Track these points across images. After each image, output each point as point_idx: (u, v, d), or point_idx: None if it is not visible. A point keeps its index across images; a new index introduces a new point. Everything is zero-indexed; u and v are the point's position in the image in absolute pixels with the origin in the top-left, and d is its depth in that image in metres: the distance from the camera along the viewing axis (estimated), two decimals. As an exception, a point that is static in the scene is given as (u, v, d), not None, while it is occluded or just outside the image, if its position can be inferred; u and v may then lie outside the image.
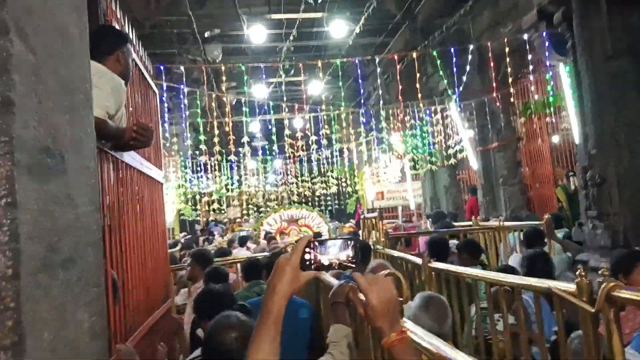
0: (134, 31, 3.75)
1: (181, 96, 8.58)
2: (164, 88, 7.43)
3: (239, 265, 5.56)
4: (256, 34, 10.32)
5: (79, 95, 0.99)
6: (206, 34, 10.66)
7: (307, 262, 1.18)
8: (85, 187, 0.96)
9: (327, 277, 2.73)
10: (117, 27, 3.09)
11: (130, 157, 2.71)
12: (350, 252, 1.20)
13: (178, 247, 8.81)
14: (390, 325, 1.16)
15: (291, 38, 10.56)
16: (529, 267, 3.44)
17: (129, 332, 2.47)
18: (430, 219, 8.80)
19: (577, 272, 1.81)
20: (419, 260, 3.63)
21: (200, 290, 4.03)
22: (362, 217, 9.25)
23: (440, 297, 2.60)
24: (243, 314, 2.06)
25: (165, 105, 8.24)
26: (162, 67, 7.37)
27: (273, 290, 1.15)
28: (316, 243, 1.21)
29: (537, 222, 5.49)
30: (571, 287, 1.86)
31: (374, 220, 6.49)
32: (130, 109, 2.92)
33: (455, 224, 7.05)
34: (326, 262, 1.19)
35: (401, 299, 1.95)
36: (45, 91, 0.84)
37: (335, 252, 1.20)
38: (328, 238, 1.46)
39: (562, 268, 4.19)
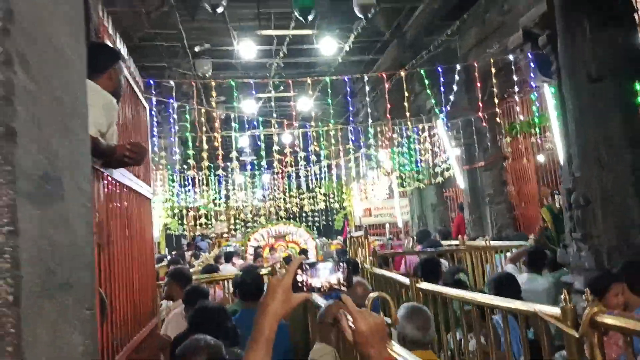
0: (124, 45, 3.78)
1: (170, 110, 8.59)
2: (153, 102, 7.44)
3: (226, 282, 5.54)
4: (246, 49, 10.40)
5: (77, 119, 1.01)
6: (196, 48, 10.71)
7: (299, 284, 1.20)
8: (81, 209, 0.98)
9: (316, 296, 2.75)
10: (108, 42, 3.11)
11: (120, 174, 2.73)
12: (341, 275, 1.21)
13: (164, 263, 8.74)
14: (379, 351, 1.17)
15: (281, 54, 10.65)
16: (497, 289, 3.34)
17: (116, 349, 2.46)
18: (414, 238, 8.76)
19: (562, 297, 1.84)
20: (406, 281, 3.65)
21: (179, 308, 4.00)
22: (349, 235, 9.26)
23: (423, 307, 2.64)
24: (212, 338, 2.08)
25: (155, 119, 8.24)
26: (151, 82, 7.39)
27: (265, 311, 1.17)
28: (307, 265, 1.23)
29: (524, 242, 5.54)
30: (556, 311, 1.90)
31: (360, 238, 6.51)
32: (121, 123, 2.93)
33: (444, 242, 7.09)
34: (318, 285, 1.21)
35: (389, 322, 1.98)
36: (45, 118, 0.86)
37: (326, 274, 1.21)
38: (320, 261, 1.47)
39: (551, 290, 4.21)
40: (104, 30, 3.08)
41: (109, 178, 2.55)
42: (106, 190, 2.50)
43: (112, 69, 2.39)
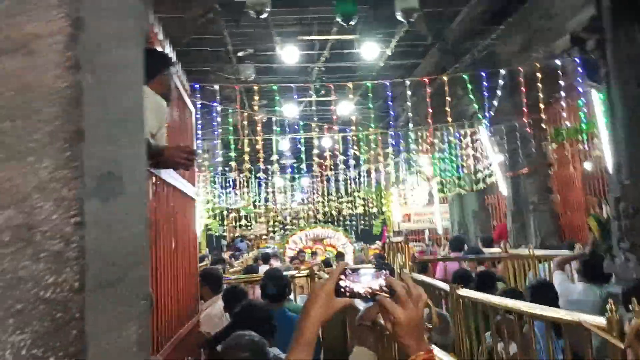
0: (173, 50, 3.90)
1: (214, 113, 8.77)
2: (198, 105, 7.62)
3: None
4: (288, 54, 10.51)
5: (137, 122, 1.07)
6: (240, 53, 10.91)
7: (342, 290, 1.21)
8: (139, 206, 1.04)
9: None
10: (159, 48, 3.23)
11: (167, 174, 2.82)
12: (383, 281, 1.22)
13: (205, 262, 8.92)
14: (417, 343, 1.16)
15: (323, 59, 10.72)
16: (533, 297, 3.27)
17: (160, 345, 2.55)
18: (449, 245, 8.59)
19: (608, 307, 1.81)
20: (446, 287, 3.63)
21: (210, 309, 4.07)
22: (388, 240, 9.21)
23: (442, 312, 2.61)
24: (257, 335, 2.10)
25: (199, 122, 8.44)
26: (196, 86, 7.57)
27: (307, 315, 1.19)
28: (349, 271, 1.25)
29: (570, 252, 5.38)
30: (601, 321, 1.86)
31: (400, 244, 6.48)
32: (169, 126, 3.04)
33: (485, 250, 6.95)
34: (361, 291, 1.22)
35: (430, 326, 1.97)
36: (109, 119, 0.92)
37: (368, 280, 1.22)
38: (361, 267, 1.48)
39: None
40: (154, 36, 3.20)
41: (157, 178, 2.64)
42: (154, 190, 2.59)
43: (164, 74, 2.48)
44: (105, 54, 0.93)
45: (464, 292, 3.38)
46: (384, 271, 1.24)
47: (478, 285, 3.87)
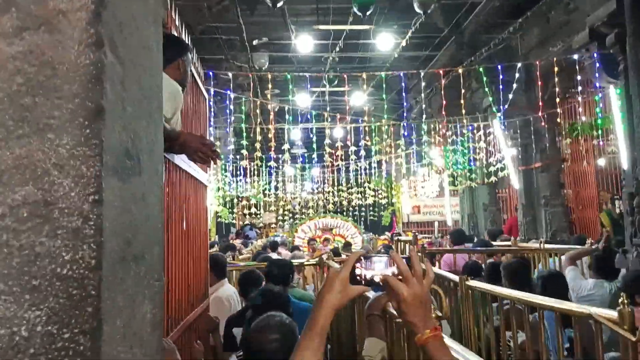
0: (188, 37, 3.90)
1: (227, 101, 8.78)
2: (212, 93, 7.63)
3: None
4: (303, 43, 10.45)
5: (155, 102, 1.07)
6: (254, 42, 10.87)
7: (357, 277, 1.21)
8: (156, 188, 1.04)
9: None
10: (175, 34, 3.22)
11: (181, 160, 2.82)
12: (395, 269, 1.21)
13: (215, 248, 8.97)
14: (424, 321, 1.15)
15: (337, 49, 10.66)
16: (543, 288, 3.32)
17: (170, 328, 2.56)
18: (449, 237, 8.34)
19: (620, 300, 1.79)
20: (456, 278, 3.63)
21: (216, 293, 4.13)
22: (395, 237, 9.17)
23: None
24: (288, 317, 2.10)
25: (212, 109, 8.46)
26: (211, 73, 7.57)
27: (321, 301, 1.18)
28: (362, 258, 1.25)
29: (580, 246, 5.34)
30: (613, 314, 1.84)
31: (408, 243, 6.44)
32: (183, 111, 3.04)
33: (495, 243, 6.91)
34: (376, 279, 1.21)
35: (440, 315, 1.97)
36: (129, 99, 0.91)
37: (382, 267, 1.22)
38: (375, 254, 1.47)
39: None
40: (171, 22, 3.19)
41: (171, 163, 2.65)
42: (167, 174, 2.60)
43: (181, 60, 2.48)
44: (127, 33, 0.93)
45: (473, 283, 3.37)
46: (390, 252, 1.23)
47: (488, 276, 3.87)
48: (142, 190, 0.94)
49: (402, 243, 7.02)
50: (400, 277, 1.19)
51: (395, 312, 1.23)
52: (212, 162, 2.64)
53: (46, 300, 0.77)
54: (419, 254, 5.82)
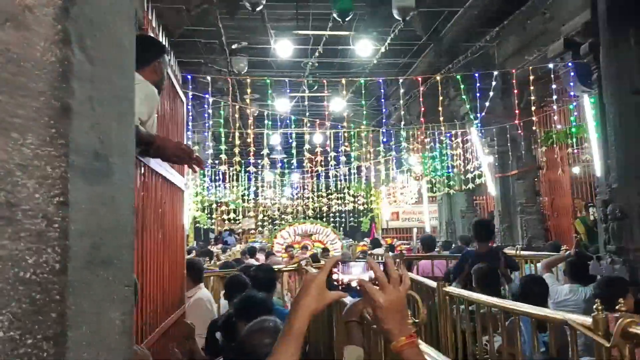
0: (166, 40, 3.86)
1: (206, 105, 8.71)
2: (190, 97, 7.57)
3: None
4: (282, 48, 10.46)
5: (127, 103, 1.04)
6: (233, 46, 10.84)
7: (334, 283, 1.19)
8: (126, 190, 1.01)
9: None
10: (154, 36, 3.18)
11: (156, 163, 2.79)
12: (372, 274, 1.20)
13: (192, 254, 8.87)
14: (400, 328, 1.14)
15: (317, 54, 10.69)
16: (523, 291, 3.39)
17: (144, 334, 2.52)
18: (420, 243, 8.18)
19: (595, 306, 1.81)
20: (433, 284, 3.64)
21: (195, 296, 4.12)
22: (368, 251, 9.16)
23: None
24: (281, 321, 2.09)
25: (190, 113, 8.37)
26: (189, 77, 7.51)
27: (298, 306, 1.17)
28: (340, 263, 1.23)
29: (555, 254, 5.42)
30: (587, 320, 1.86)
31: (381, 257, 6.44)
32: (160, 115, 3.00)
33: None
34: (353, 283, 1.19)
35: (417, 320, 1.97)
36: (98, 98, 0.89)
37: (359, 272, 1.21)
38: (353, 259, 1.46)
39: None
40: (148, 23, 3.15)
41: (146, 167, 2.61)
42: (142, 178, 2.56)
43: (157, 62, 2.44)
44: (97, 30, 0.90)
45: (451, 289, 3.39)
46: (367, 259, 1.22)
47: (480, 283, 3.89)
48: (111, 193, 0.92)
49: (375, 257, 6.98)
50: (376, 282, 1.18)
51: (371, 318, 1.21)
52: (194, 168, 2.60)
53: (8, 305, 0.75)
54: (397, 260, 5.85)
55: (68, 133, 0.78)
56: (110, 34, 0.95)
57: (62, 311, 0.75)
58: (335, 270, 1.21)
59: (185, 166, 4.13)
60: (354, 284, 1.21)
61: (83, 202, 0.81)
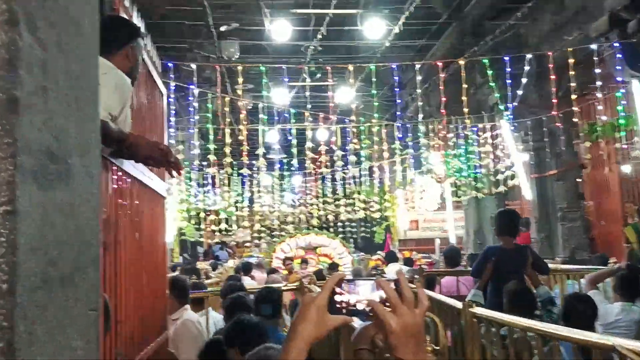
0: (142, 22, 3.87)
1: (190, 97, 8.73)
2: (171, 88, 7.59)
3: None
4: (279, 30, 10.47)
5: (88, 94, 1.04)
6: (222, 28, 10.87)
7: (338, 305, 1.18)
8: (89, 196, 1.01)
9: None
10: (126, 17, 3.19)
11: (132, 166, 2.78)
12: (384, 293, 1.18)
13: (176, 272, 8.88)
14: (415, 357, 1.13)
15: (319, 36, 10.70)
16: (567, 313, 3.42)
17: (118, 367, 2.51)
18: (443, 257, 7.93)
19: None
20: (458, 304, 3.62)
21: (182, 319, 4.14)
22: (380, 274, 9.09)
23: None
24: None
25: (172, 107, 8.40)
26: (170, 64, 7.53)
27: (294, 333, 1.16)
28: (346, 282, 1.22)
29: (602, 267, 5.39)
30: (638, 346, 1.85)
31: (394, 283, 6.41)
32: (135, 109, 3.00)
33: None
34: (360, 306, 1.18)
35: (437, 348, 1.96)
36: (53, 89, 0.88)
37: (367, 291, 1.19)
38: (358, 277, 1.45)
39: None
40: (119, 3, 3.16)
41: (119, 169, 2.61)
42: (114, 183, 2.56)
43: (130, 47, 2.44)
44: (50, 10, 0.90)
45: (479, 310, 3.37)
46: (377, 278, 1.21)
47: (512, 305, 3.89)
48: (70, 199, 0.91)
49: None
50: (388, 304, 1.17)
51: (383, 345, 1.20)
52: (173, 173, 2.60)
53: (-54, 333, 0.74)
54: (416, 276, 5.83)
55: (15, 130, 0.77)
56: (67, 14, 0.95)
57: (10, 339, 0.74)
58: (338, 289, 1.20)
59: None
60: (360, 305, 1.19)
61: (35, 210, 0.80)
